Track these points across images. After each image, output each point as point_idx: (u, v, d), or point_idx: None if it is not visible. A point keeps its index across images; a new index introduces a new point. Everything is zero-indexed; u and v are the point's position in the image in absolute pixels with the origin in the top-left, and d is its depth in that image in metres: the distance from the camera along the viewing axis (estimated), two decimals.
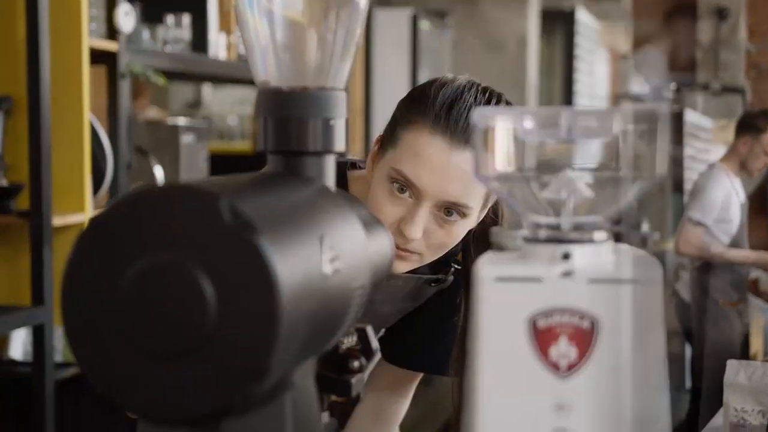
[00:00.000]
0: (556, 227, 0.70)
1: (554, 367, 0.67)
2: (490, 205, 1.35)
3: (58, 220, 2.50)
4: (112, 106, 2.85)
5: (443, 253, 1.33)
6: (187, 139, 3.34)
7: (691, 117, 6.15)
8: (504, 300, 0.67)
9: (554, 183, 0.69)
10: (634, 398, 0.67)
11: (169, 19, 3.21)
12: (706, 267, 4.50)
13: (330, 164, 0.79)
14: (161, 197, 0.62)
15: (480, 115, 0.70)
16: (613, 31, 8.66)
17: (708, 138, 6.32)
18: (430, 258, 1.33)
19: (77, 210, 2.59)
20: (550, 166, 0.71)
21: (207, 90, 6.08)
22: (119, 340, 0.62)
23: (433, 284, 1.47)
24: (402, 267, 1.32)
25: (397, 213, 1.27)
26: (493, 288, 0.68)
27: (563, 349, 0.67)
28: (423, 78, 4.82)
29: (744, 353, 4.40)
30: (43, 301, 2.48)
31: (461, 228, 1.30)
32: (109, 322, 0.62)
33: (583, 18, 7.63)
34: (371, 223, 0.83)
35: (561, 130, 0.69)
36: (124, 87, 2.86)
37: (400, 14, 5.31)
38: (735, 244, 4.53)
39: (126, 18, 2.80)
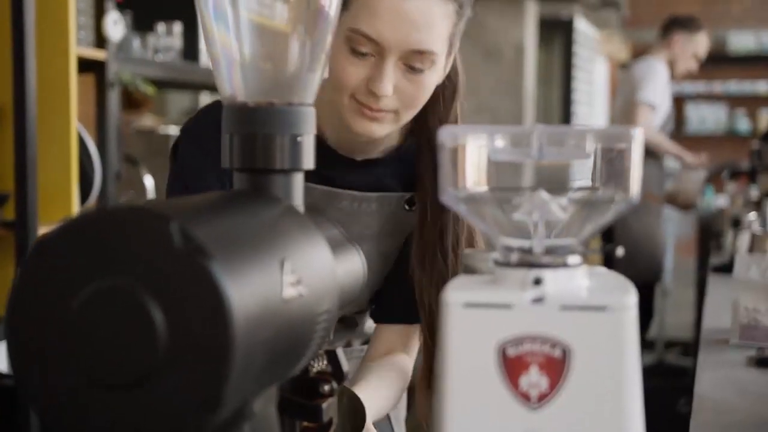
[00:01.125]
0: (529, 251, 0.67)
1: (525, 397, 0.64)
2: (454, 52, 1.34)
3: (44, 231, 2.47)
4: (100, 115, 2.82)
5: (418, 108, 1.31)
6: None
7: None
8: (473, 327, 0.65)
9: (526, 204, 0.66)
10: (608, 430, 0.64)
11: (160, 27, 3.18)
12: None
13: (298, 182, 0.76)
14: (111, 220, 0.59)
15: (448, 133, 0.67)
16: (612, 39, 8.64)
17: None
18: (406, 116, 1.31)
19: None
20: (521, 187, 0.68)
21: (205, 98, 6.05)
22: (66, 368, 0.59)
23: (407, 207, 1.43)
24: (379, 129, 1.29)
25: (362, 74, 1.25)
26: (461, 314, 0.65)
27: (534, 379, 0.64)
28: None
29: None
30: None
31: (430, 79, 1.29)
32: (55, 349, 0.59)
33: (582, 27, 7.60)
34: (341, 243, 0.81)
35: (532, 150, 0.66)
36: (113, 96, 2.83)
37: None
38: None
39: (115, 26, 2.77)
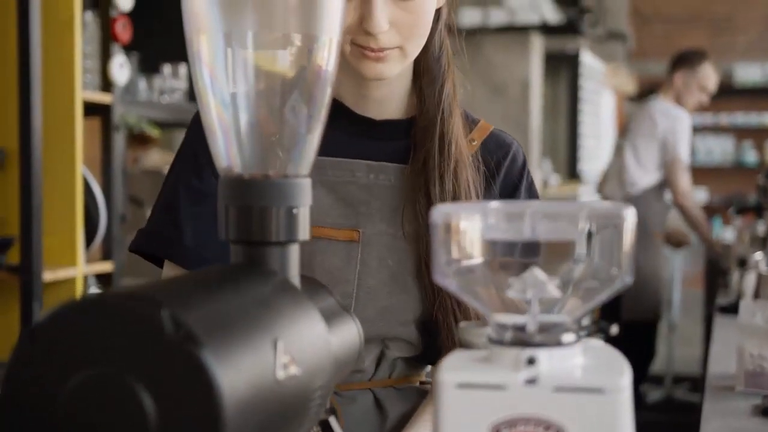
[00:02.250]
0: (522, 328, 0.67)
1: None
2: None
3: (49, 275, 2.47)
4: (106, 158, 2.83)
5: (423, 39, 1.25)
6: None
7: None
8: (466, 408, 0.64)
9: (518, 282, 0.66)
10: None
11: (166, 69, 3.20)
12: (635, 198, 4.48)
13: (294, 254, 0.76)
14: (102, 306, 0.59)
15: (441, 212, 0.67)
16: (618, 72, 8.66)
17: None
18: (412, 49, 1.24)
19: (69, 264, 2.56)
20: (515, 264, 0.68)
21: None
22: None
23: None
24: (387, 69, 1.23)
25: (351, 17, 1.18)
26: (454, 395, 0.64)
27: None
28: None
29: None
30: None
31: (426, 3, 1.22)
32: None
33: (588, 60, 7.62)
34: (336, 313, 0.80)
35: (525, 227, 0.66)
36: (119, 139, 2.84)
37: None
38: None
39: (121, 70, 2.79)
